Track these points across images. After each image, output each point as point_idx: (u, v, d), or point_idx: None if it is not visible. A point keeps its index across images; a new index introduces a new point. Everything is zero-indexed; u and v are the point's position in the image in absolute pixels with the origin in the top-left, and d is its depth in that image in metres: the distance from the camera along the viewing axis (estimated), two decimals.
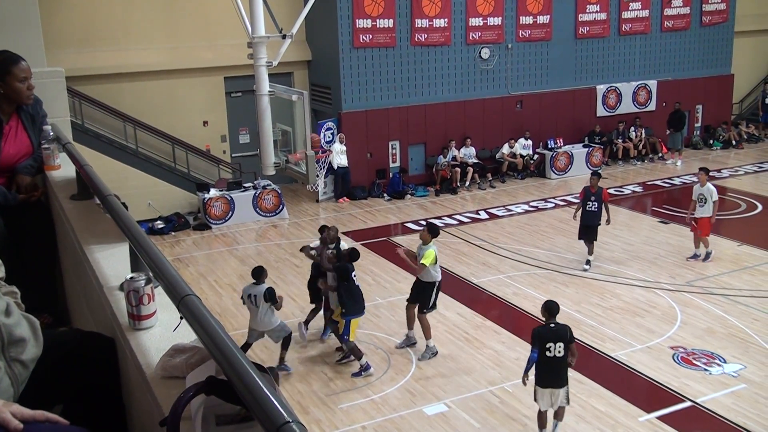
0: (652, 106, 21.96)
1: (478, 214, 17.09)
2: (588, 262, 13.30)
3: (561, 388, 7.82)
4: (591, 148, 20.43)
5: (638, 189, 18.84)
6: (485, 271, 13.42)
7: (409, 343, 10.42)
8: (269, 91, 11.29)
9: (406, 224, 16.38)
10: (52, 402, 2.52)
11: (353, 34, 18.01)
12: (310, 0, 10.77)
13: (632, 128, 21.21)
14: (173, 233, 16.35)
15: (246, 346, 9.70)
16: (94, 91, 16.55)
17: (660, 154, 21.59)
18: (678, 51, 22.30)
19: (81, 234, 3.90)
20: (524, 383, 7.92)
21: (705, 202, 13.13)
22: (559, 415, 8.06)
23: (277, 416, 1.53)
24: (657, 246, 14.40)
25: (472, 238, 15.32)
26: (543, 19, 20.13)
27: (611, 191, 17.06)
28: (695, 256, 13.47)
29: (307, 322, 10.74)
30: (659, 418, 8.58)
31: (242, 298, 9.68)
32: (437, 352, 10.18)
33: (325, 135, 17.99)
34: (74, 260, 4.04)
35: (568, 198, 17.88)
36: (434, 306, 10.21)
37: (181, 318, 2.12)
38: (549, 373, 7.76)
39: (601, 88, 21.26)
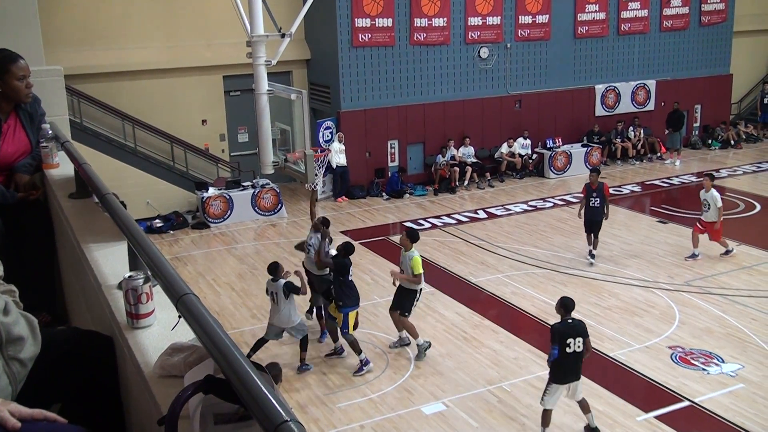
0: (650, 106, 21.96)
1: (477, 213, 17.08)
2: (593, 256, 13.39)
3: (579, 381, 8.03)
4: (590, 148, 20.43)
5: (637, 189, 18.84)
6: (484, 271, 13.42)
7: (402, 344, 10.44)
8: (268, 90, 11.31)
9: (405, 223, 16.37)
10: (50, 400, 2.52)
11: (352, 33, 18.00)
12: None
13: (631, 128, 21.22)
14: (172, 232, 16.34)
15: (262, 342, 9.75)
16: (92, 90, 16.53)
17: (659, 154, 21.59)
18: (677, 51, 22.30)
19: (79, 232, 3.90)
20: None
21: (709, 208, 13.27)
22: (585, 407, 8.20)
23: (276, 415, 1.53)
24: (655, 246, 14.41)
25: (470, 238, 15.31)
26: (542, 18, 20.13)
27: (610, 191, 17.04)
28: (693, 256, 13.49)
29: (309, 311, 10.95)
30: (657, 417, 8.59)
31: (266, 292, 9.83)
32: (430, 344, 10.19)
33: (323, 134, 17.99)
34: (72, 259, 4.04)
35: (567, 197, 17.89)
36: (410, 312, 10.06)
37: (180, 317, 2.12)
38: (569, 369, 7.93)
39: (599, 88, 21.26)
